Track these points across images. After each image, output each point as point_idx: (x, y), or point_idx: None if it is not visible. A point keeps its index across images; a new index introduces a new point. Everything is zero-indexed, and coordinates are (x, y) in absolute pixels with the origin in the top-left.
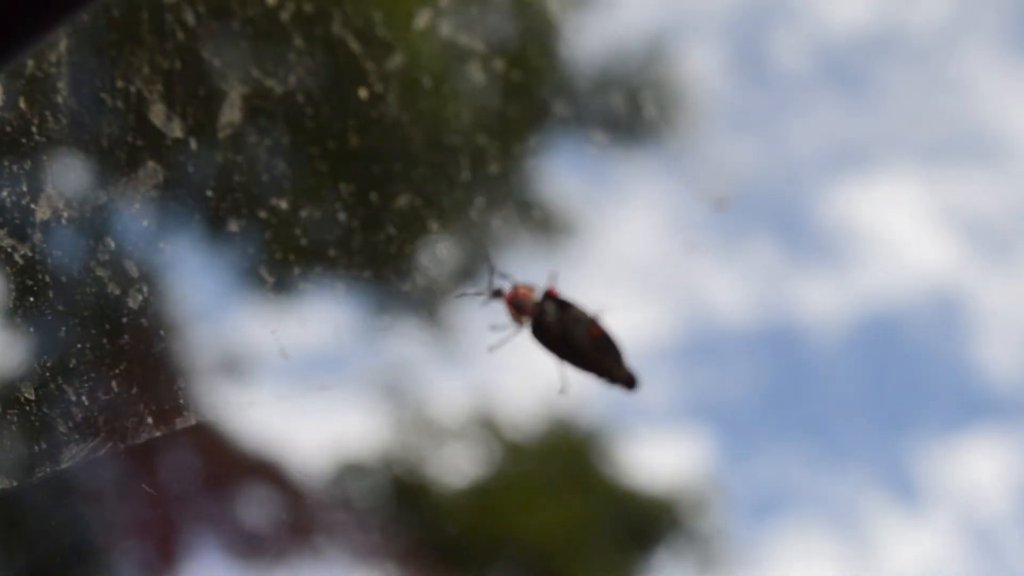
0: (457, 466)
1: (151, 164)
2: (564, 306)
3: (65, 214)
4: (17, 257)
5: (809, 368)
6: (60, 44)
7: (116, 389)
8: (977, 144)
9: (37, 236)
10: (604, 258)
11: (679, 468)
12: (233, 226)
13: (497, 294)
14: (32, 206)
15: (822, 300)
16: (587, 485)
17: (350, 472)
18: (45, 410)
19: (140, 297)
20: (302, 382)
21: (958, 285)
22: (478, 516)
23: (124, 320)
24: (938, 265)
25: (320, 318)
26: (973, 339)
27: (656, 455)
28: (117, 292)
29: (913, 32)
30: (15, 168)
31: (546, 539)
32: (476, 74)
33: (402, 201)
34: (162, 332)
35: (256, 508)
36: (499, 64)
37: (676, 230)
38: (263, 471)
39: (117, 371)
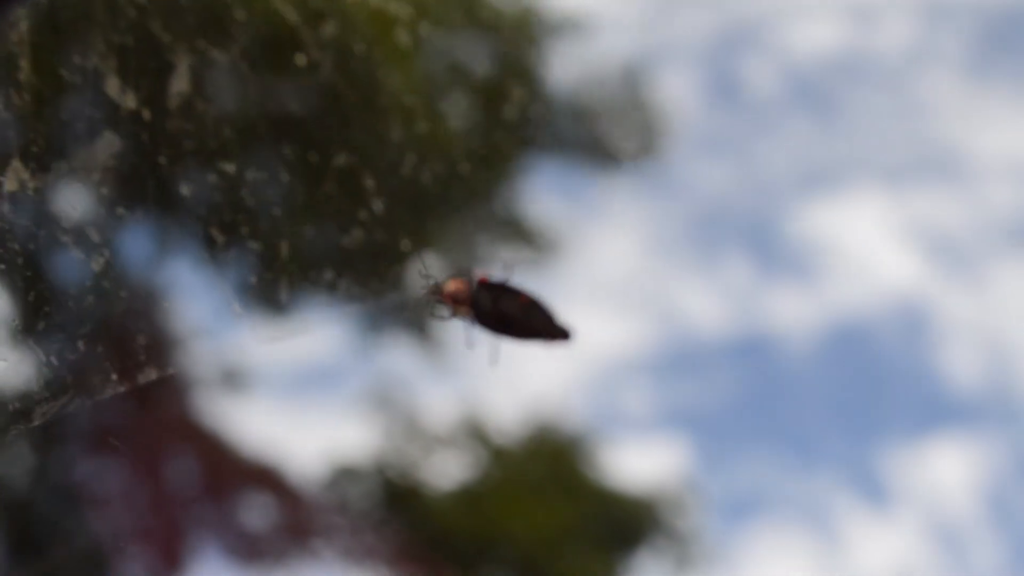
0: (446, 470)
1: (108, 135)
2: (494, 288)
3: (31, 185)
4: None
5: (782, 377)
6: (21, 25)
7: (83, 348)
8: (941, 163)
9: (5, 207)
10: (584, 275)
11: (659, 472)
12: (185, 190)
13: (437, 291)
14: (0, 178)
15: (793, 312)
16: (571, 488)
17: (345, 477)
18: (17, 371)
19: (102, 260)
20: (298, 392)
21: (923, 297)
22: (467, 518)
23: (88, 283)
24: (904, 278)
25: (316, 331)
26: (938, 348)
27: (637, 460)
28: (81, 256)
29: (879, 56)
30: None
31: (532, 539)
32: (459, 102)
33: (340, 160)
34: (123, 293)
35: (255, 512)
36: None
37: (653, 248)
38: (262, 477)
39: (83, 331)
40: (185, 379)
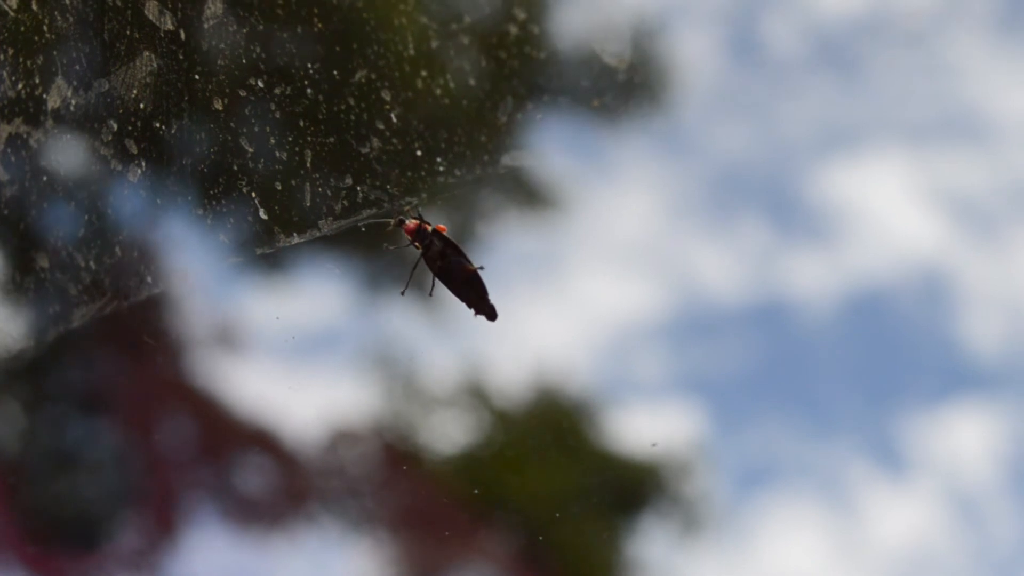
0: (447, 434)
1: (147, 54)
2: (447, 243)
3: (73, 102)
4: (32, 142)
5: (799, 343)
6: None
7: (120, 253)
8: (964, 125)
9: (49, 122)
10: (597, 235)
11: (670, 438)
12: (218, 104)
13: (400, 223)
14: (44, 96)
15: (812, 277)
16: (575, 452)
17: (343, 440)
18: (58, 275)
19: (139, 171)
20: (296, 353)
21: (944, 262)
22: (468, 482)
23: (126, 192)
24: (925, 242)
25: (314, 292)
26: (958, 314)
27: (646, 426)
28: (119, 167)
29: (903, 16)
30: (28, 63)
31: (535, 504)
32: (461, 48)
33: (359, 75)
34: (159, 201)
35: (252, 476)
36: (483, 37)
37: (669, 209)
38: (259, 440)
39: (120, 237)
40: (180, 339)
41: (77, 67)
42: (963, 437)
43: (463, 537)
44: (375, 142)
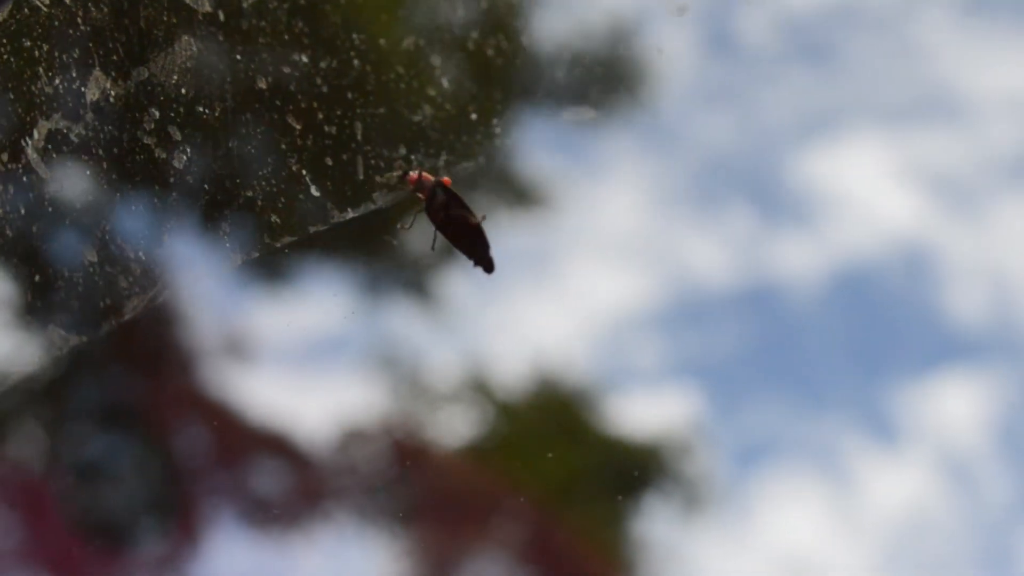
0: (453, 428)
1: (185, 38)
2: (452, 195)
3: (112, 93)
4: (73, 136)
5: (789, 323)
6: None
7: (169, 243)
8: (939, 104)
9: (89, 115)
10: (586, 230)
11: (668, 421)
12: (262, 83)
13: (405, 175)
14: (83, 89)
15: (798, 259)
16: (579, 438)
17: (353, 439)
18: (108, 269)
19: (184, 158)
20: (303, 358)
21: (926, 236)
22: (476, 474)
23: (172, 179)
24: (906, 219)
25: (318, 297)
26: (942, 286)
27: (646, 410)
28: (163, 155)
29: (874, 1)
30: (64, 58)
31: (542, 491)
32: (447, 54)
33: (407, 43)
34: (207, 186)
35: (268, 479)
36: (469, 43)
37: (655, 201)
38: (272, 444)
39: (169, 226)
40: (191, 350)
41: (114, 57)
42: (953, 404)
43: (475, 526)
44: (427, 109)
